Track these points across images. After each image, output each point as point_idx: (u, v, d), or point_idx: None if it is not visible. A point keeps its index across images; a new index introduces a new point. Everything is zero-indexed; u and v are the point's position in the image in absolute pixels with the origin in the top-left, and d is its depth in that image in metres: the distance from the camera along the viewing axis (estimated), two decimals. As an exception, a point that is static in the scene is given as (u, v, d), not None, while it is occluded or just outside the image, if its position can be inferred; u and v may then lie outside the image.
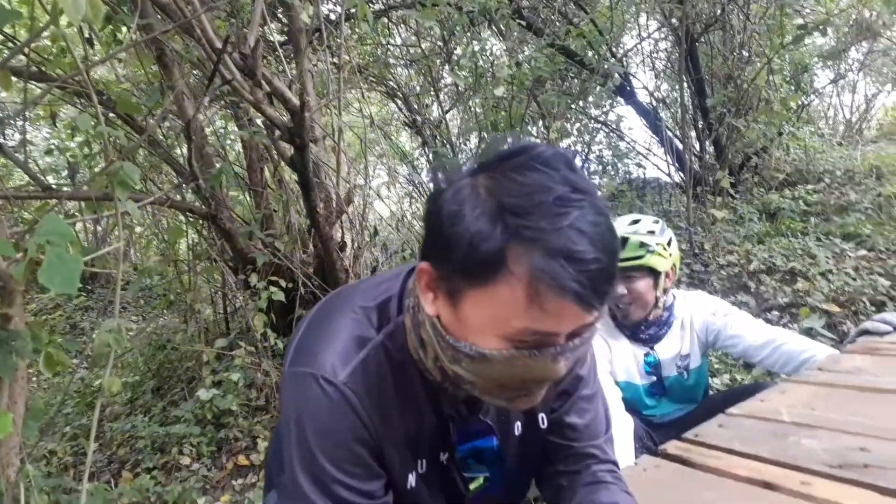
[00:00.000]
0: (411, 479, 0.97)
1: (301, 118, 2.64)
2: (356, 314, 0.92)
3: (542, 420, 1.06)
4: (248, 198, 4.06)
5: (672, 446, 1.40)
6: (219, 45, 2.43)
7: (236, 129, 3.91)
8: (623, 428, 1.70)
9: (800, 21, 5.53)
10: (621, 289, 1.97)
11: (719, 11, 5.36)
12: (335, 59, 3.66)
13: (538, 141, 0.75)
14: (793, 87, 5.75)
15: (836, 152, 6.87)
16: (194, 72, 3.87)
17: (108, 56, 2.85)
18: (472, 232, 0.72)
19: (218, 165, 3.46)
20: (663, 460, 1.36)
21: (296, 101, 2.63)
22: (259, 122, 3.54)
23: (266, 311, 3.36)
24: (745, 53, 5.72)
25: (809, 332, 2.99)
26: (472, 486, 1.04)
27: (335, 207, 3.35)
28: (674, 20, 5.02)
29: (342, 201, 3.37)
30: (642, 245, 1.95)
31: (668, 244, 2.01)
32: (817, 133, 7.61)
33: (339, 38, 3.64)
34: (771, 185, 5.83)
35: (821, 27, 5.08)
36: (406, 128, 7.24)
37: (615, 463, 1.10)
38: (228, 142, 4.41)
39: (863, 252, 4.14)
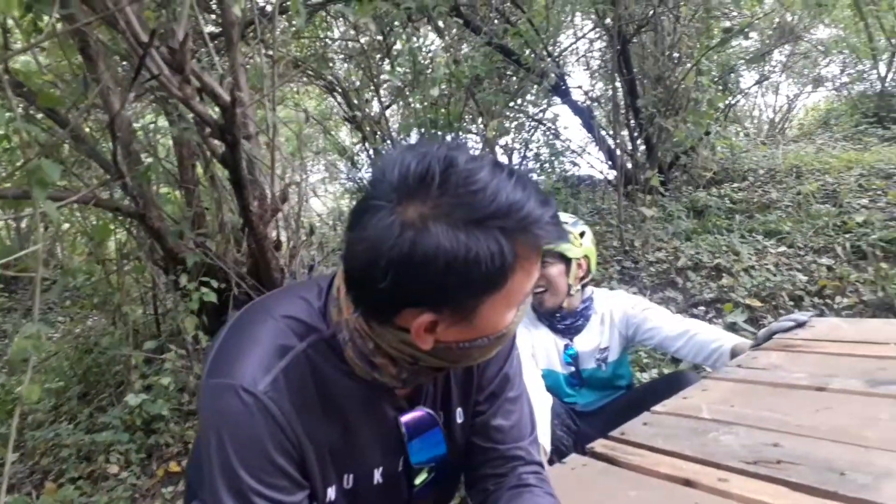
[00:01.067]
0: (331, 493, 0.96)
1: (232, 114, 2.57)
2: (277, 322, 0.91)
3: (459, 414, 1.07)
4: (178, 195, 3.94)
5: (599, 445, 1.44)
6: (145, 38, 2.34)
7: (166, 124, 3.78)
8: (542, 405, 1.79)
9: (727, 24, 5.74)
10: None
11: (651, 13, 5.50)
12: (269, 53, 3.58)
13: (428, 149, 0.75)
14: (720, 88, 5.96)
15: (760, 151, 7.17)
16: (122, 64, 3.73)
17: (28, 46, 2.71)
18: (483, 257, 0.73)
19: (146, 161, 3.35)
20: (591, 459, 1.39)
21: (226, 97, 2.56)
22: (190, 117, 3.43)
23: (198, 313, 3.28)
24: (676, 55, 5.89)
25: (732, 327, 3.12)
26: (417, 481, 1.04)
27: (270, 205, 3.28)
28: (607, 21, 5.13)
29: (277, 199, 3.31)
30: None
31: (581, 235, 2.13)
32: (743, 132, 7.93)
33: (274, 31, 3.56)
34: (699, 183, 6.03)
35: (745, 30, 5.28)
36: (346, 123, 7.17)
37: (540, 464, 1.12)
38: (158, 137, 4.26)
39: (783, 248, 4.33)
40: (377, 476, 1.00)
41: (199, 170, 3.97)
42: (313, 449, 0.90)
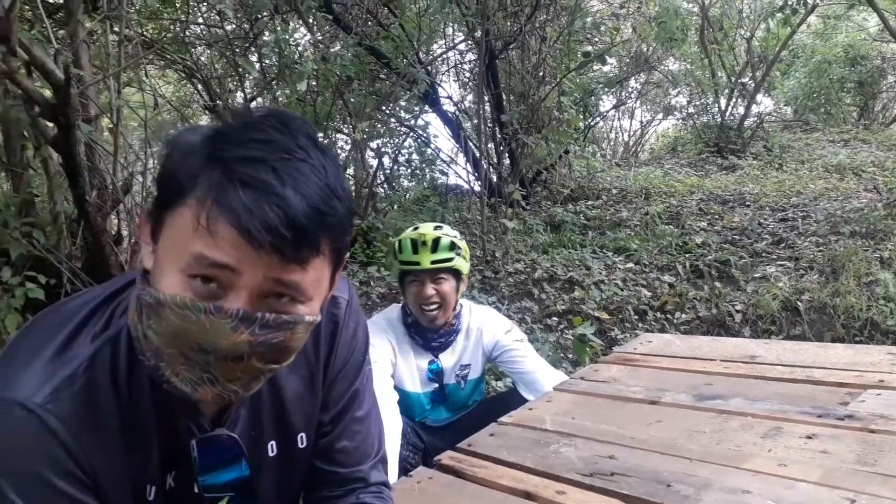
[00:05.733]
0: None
1: (66, 94, 2.33)
2: (67, 326, 0.80)
3: (301, 439, 1.00)
4: (5, 179, 3.54)
5: (447, 457, 1.43)
6: (-39, -1, 2.08)
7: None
8: (392, 429, 1.73)
9: (588, 48, 6.04)
10: (430, 290, 1.99)
11: (518, 30, 5.67)
12: (117, 30, 3.30)
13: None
14: (581, 110, 6.25)
15: (614, 172, 7.62)
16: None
17: None
18: (181, 151, 0.71)
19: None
20: (437, 472, 1.38)
21: (60, 74, 2.31)
22: (20, 93, 3.08)
23: (21, 311, 2.95)
24: (540, 73, 6.12)
25: (582, 339, 3.26)
26: None
27: (110, 195, 3.02)
28: (477, 34, 5.22)
29: (119, 189, 3.05)
30: (453, 247, 1.99)
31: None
32: (600, 153, 8.40)
33: (123, 7, 3.28)
34: (557, 199, 6.30)
35: (602, 56, 5.59)
36: (206, 112, 6.80)
37: (384, 483, 1.08)
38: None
39: (630, 265, 4.60)
40: (169, 479, 0.90)
41: (31, 152, 3.57)
42: (111, 464, 0.81)
